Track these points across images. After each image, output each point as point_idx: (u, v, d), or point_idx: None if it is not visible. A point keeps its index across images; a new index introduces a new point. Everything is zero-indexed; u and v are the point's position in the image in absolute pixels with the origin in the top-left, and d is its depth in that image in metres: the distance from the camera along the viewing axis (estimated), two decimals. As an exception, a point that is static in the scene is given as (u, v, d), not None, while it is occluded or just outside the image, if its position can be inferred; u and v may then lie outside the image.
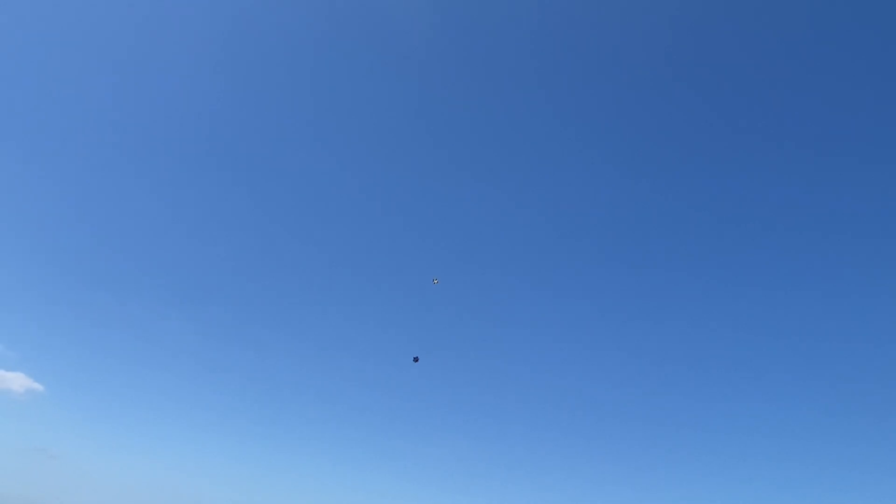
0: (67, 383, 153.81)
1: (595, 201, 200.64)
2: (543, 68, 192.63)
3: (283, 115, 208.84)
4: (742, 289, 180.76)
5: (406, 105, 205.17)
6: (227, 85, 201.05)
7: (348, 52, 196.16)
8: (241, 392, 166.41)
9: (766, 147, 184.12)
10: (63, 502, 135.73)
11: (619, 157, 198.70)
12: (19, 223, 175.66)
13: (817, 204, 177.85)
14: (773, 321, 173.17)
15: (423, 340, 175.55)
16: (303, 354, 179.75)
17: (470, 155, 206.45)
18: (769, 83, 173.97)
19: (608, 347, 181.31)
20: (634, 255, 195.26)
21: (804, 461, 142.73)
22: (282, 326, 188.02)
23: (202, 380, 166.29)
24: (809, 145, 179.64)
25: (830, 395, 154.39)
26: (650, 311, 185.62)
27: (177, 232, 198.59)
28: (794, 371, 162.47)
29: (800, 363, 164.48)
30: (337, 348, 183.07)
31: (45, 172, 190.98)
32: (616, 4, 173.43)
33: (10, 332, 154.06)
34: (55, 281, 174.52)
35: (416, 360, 60.92)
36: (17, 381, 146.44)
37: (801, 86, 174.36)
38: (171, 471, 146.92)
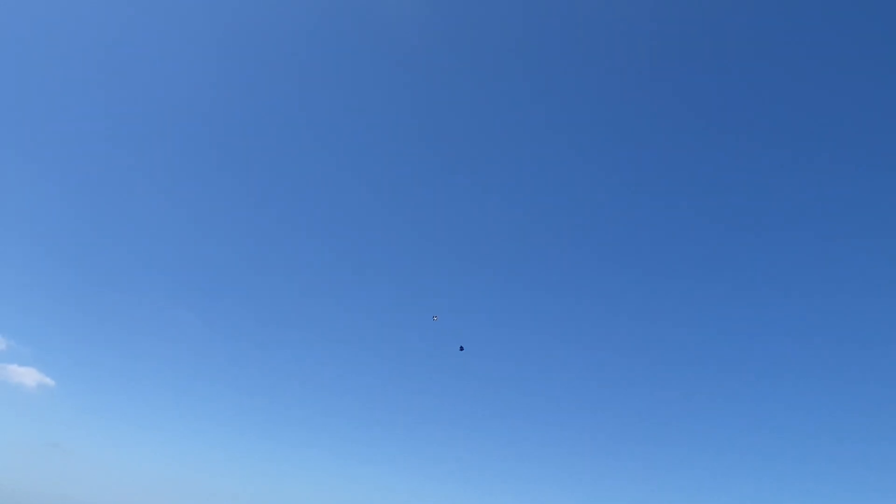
0: (78, 378, 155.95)
1: (599, 201, 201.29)
2: (535, 66, 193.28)
3: (287, 115, 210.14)
4: (742, 286, 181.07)
5: (409, 105, 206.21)
6: (231, 86, 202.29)
7: (344, 54, 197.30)
8: (250, 387, 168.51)
9: (766, 143, 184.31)
10: (75, 495, 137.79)
11: (616, 156, 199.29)
12: (30, 223, 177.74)
13: (817, 202, 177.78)
14: (775, 319, 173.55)
15: (430, 339, 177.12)
16: (310, 350, 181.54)
17: (470, 156, 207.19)
18: (769, 81, 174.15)
19: (612, 348, 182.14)
20: (639, 256, 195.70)
21: (805, 460, 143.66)
22: (290, 323, 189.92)
23: (211, 375, 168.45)
24: (811, 142, 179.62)
25: (832, 395, 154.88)
26: (654, 311, 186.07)
27: (185, 231, 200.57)
28: (795, 370, 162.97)
29: (800, 361, 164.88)
30: (343, 344, 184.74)
31: (54, 173, 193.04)
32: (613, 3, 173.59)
33: (22, 328, 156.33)
34: (66, 278, 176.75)
35: (461, 349, 61.69)
36: (30, 376, 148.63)
37: (802, 83, 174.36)
38: (180, 463, 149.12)
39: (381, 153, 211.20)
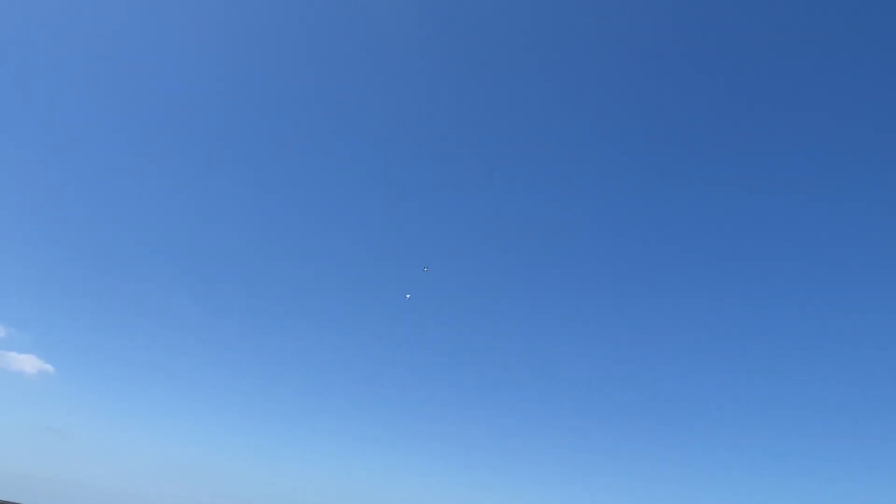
0: (78, 365, 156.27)
1: (604, 195, 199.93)
2: (541, 59, 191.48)
3: (296, 106, 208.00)
4: (750, 282, 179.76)
5: (412, 99, 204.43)
6: (232, 77, 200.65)
7: (351, 45, 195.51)
8: (250, 373, 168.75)
9: (773, 137, 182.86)
10: (76, 480, 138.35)
11: (622, 151, 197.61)
12: (29, 210, 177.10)
13: (824, 201, 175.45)
14: (780, 316, 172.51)
15: (439, 332, 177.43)
16: (311, 337, 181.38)
17: (472, 151, 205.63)
18: (775, 78, 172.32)
19: (619, 341, 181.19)
20: (644, 251, 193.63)
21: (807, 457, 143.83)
22: (291, 309, 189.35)
23: (210, 360, 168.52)
24: (816, 136, 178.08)
25: (836, 392, 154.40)
26: (660, 305, 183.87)
27: (186, 218, 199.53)
28: (798, 367, 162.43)
29: (803, 359, 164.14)
30: (346, 331, 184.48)
31: (52, 162, 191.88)
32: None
33: (21, 314, 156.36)
34: (64, 265, 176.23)
35: (407, 295, 59.52)
36: (29, 362, 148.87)
37: (805, 80, 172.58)
38: (180, 449, 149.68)
39: (383, 147, 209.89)
